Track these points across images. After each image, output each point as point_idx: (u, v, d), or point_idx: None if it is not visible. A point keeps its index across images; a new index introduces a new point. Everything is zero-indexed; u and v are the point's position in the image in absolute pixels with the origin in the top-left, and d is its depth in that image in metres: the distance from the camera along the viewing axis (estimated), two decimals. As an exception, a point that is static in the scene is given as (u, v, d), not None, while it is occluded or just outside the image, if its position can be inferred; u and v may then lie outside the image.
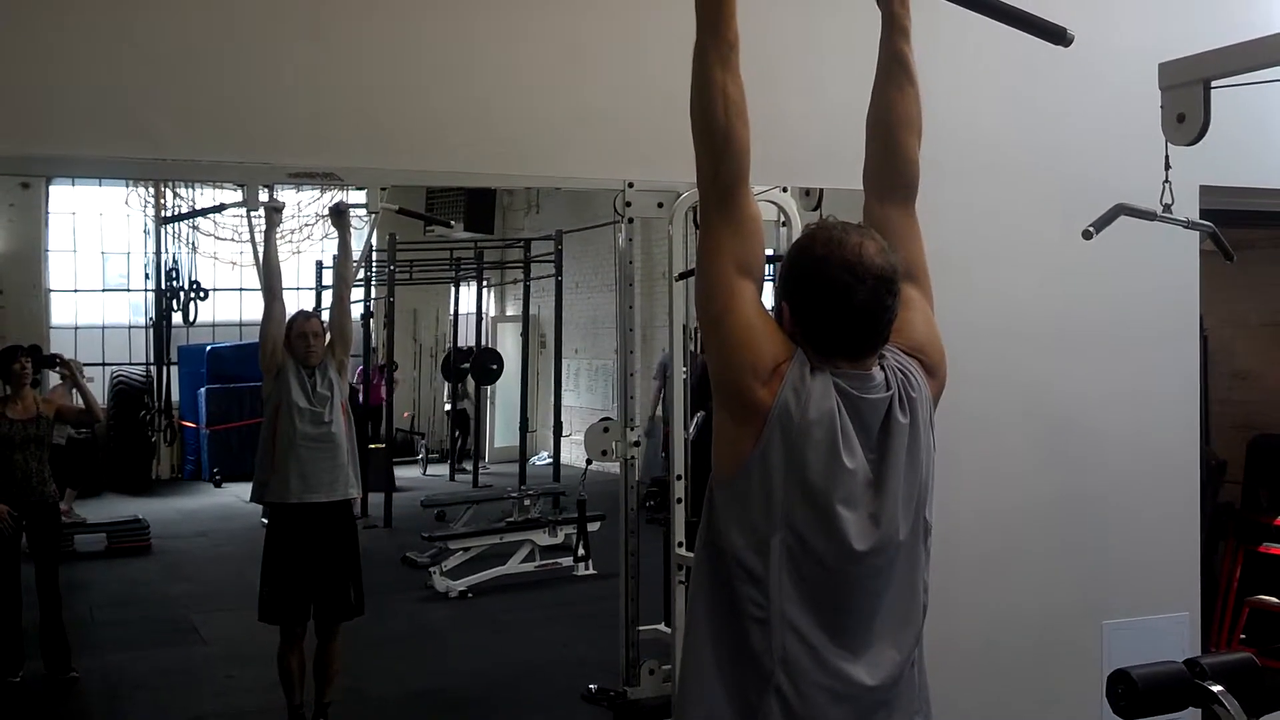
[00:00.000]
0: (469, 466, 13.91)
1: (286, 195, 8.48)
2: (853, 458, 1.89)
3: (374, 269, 12.41)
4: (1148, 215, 3.68)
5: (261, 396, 5.29)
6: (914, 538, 2.00)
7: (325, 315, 5.52)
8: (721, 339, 1.95)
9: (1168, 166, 3.55)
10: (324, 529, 5.17)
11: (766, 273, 2.07)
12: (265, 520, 6.14)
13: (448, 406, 14.94)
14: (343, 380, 5.28)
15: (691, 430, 4.70)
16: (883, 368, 1.97)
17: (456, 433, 14.62)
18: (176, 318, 12.54)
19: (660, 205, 4.60)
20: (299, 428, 5.09)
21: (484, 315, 14.28)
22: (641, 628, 5.27)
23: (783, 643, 1.88)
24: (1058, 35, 2.41)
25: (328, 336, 5.31)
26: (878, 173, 2.22)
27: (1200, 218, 4.05)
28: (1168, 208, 3.63)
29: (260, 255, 5.32)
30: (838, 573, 1.92)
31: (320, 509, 5.14)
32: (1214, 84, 3.06)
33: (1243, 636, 6.15)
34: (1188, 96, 3.08)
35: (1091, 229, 3.60)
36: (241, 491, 12.01)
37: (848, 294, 1.87)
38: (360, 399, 11.93)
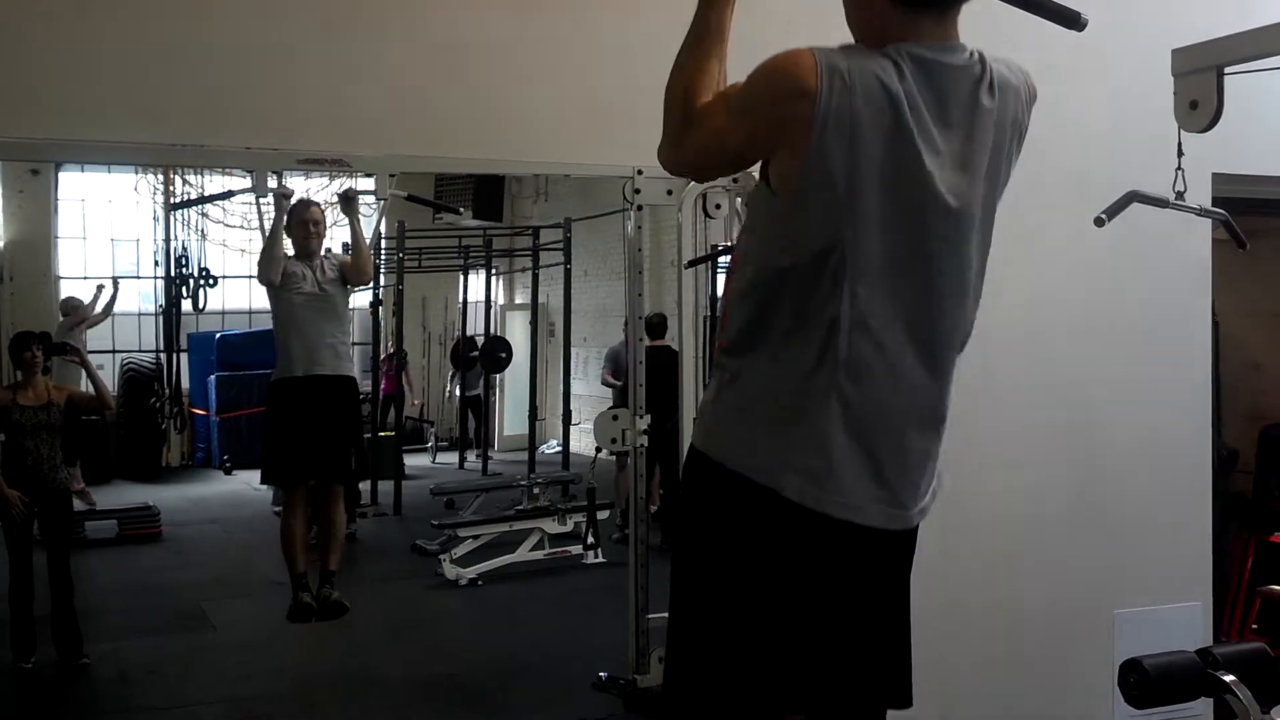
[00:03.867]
0: (477, 454, 13.93)
1: (296, 182, 8.46)
2: (925, 136, 1.86)
3: (383, 257, 12.40)
4: (1160, 202, 3.66)
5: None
6: (987, 214, 2.04)
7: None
8: (730, 109, 1.91)
9: (1180, 154, 3.53)
10: (327, 398, 5.17)
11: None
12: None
13: (455, 392, 14.89)
14: (347, 292, 5.31)
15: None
16: (981, 58, 1.95)
17: (469, 418, 14.59)
18: (186, 305, 12.52)
19: (670, 193, 4.58)
20: (300, 303, 5.08)
21: (493, 303, 14.25)
22: (651, 616, 5.27)
23: (848, 342, 1.86)
24: (1071, 19, 2.37)
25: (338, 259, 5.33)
26: None
27: (1213, 205, 4.03)
28: (1180, 195, 3.61)
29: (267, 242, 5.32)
30: (915, 254, 1.91)
31: (324, 381, 5.14)
32: (1227, 70, 3.04)
33: (1254, 626, 6.14)
34: (1201, 83, 3.06)
35: (1104, 216, 3.58)
36: (251, 479, 12.04)
37: None
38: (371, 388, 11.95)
